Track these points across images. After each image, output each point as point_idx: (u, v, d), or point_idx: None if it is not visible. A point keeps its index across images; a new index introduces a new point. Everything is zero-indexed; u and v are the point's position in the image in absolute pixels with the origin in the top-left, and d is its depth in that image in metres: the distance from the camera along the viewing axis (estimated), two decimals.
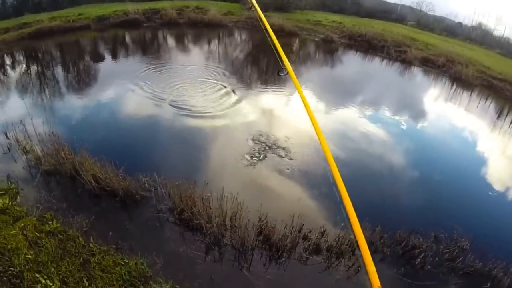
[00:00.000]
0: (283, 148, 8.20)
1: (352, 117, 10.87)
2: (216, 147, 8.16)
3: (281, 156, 7.92)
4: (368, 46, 19.43)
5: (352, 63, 17.91)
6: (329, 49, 19.09)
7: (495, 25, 27.02)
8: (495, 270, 5.56)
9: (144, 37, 18.52)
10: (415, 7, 28.94)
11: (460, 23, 28.72)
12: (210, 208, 5.85)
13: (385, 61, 18.12)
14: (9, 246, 4.70)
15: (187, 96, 10.54)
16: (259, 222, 5.66)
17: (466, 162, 9.63)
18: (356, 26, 21.52)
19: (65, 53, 15.47)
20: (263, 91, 12.12)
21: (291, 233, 5.57)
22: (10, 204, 5.60)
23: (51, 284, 4.25)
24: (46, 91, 10.91)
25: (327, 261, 5.48)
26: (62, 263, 4.63)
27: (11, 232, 4.98)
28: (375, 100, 12.60)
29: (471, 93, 15.62)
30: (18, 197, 5.97)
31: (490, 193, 8.20)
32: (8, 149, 7.29)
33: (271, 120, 9.79)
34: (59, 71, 13.12)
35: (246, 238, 5.45)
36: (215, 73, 12.84)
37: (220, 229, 5.59)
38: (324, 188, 6.68)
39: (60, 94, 10.78)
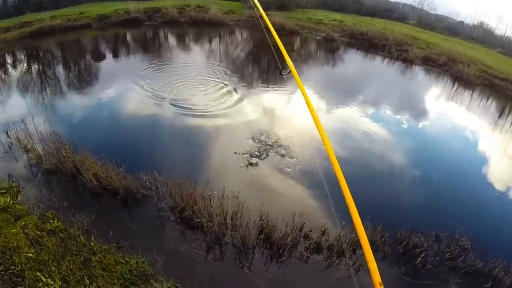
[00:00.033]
0: (284, 147, 8.20)
1: (353, 116, 10.86)
2: (217, 146, 8.16)
3: (282, 155, 7.92)
4: (369, 45, 19.39)
5: (353, 62, 17.86)
6: (330, 47, 19.05)
7: (497, 24, 26.98)
8: (496, 269, 5.56)
9: (145, 35, 18.50)
10: (416, 6, 28.90)
11: (461, 22, 28.65)
12: (211, 207, 5.85)
13: (386, 60, 18.07)
14: (10, 245, 4.71)
15: (188, 95, 10.55)
16: (260, 220, 5.66)
17: (467, 161, 9.62)
18: (357, 24, 21.47)
19: (66, 52, 15.47)
20: (265, 90, 12.11)
21: (292, 232, 5.57)
22: (11, 202, 5.61)
23: (52, 282, 4.25)
24: (47, 90, 10.92)
25: (328, 260, 5.48)
26: (63, 261, 4.63)
27: (12, 230, 4.98)
28: (376, 99, 12.58)
29: (473, 92, 15.58)
30: (19, 195, 5.97)
31: (491, 192, 8.19)
32: (9, 148, 7.30)
33: (272, 119, 9.78)
34: (60, 70, 13.12)
35: (247, 236, 5.45)
36: (216, 72, 12.84)
37: (221, 227, 5.59)
38: (325, 187, 6.65)
39: (61, 93, 10.78)
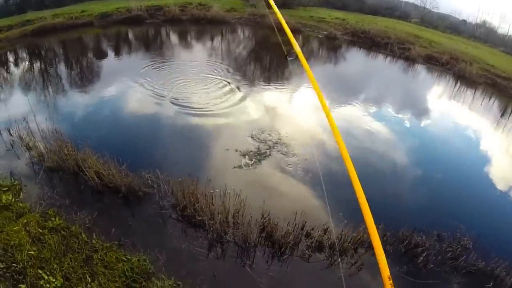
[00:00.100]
0: (286, 146, 8.19)
1: (355, 115, 10.83)
2: (219, 144, 8.15)
3: (284, 154, 7.91)
4: (372, 43, 19.35)
5: (355, 60, 17.83)
6: (332, 46, 19.02)
7: (499, 23, 26.88)
8: (498, 269, 5.55)
9: (147, 33, 18.50)
10: (419, 4, 28.84)
11: (464, 21, 28.56)
12: (213, 205, 5.85)
13: (388, 58, 18.03)
14: (12, 242, 4.72)
15: (189, 93, 10.54)
16: (261, 219, 5.67)
17: (469, 160, 9.59)
18: (359, 23, 21.43)
19: (68, 50, 15.49)
20: (267, 88, 12.08)
21: (293, 230, 5.57)
22: (13, 200, 5.62)
23: (54, 280, 4.26)
24: (49, 88, 10.93)
25: (330, 259, 5.47)
26: (65, 259, 4.64)
27: (14, 228, 5.00)
28: (378, 97, 12.55)
29: (475, 91, 15.52)
30: (21, 193, 5.98)
31: (493, 192, 8.16)
32: (11, 145, 7.31)
33: (274, 117, 9.76)
34: (62, 68, 13.15)
35: (248, 235, 5.45)
36: (218, 70, 12.83)
37: (223, 225, 5.59)
38: (327, 185, 6.65)
39: (63, 91, 10.79)
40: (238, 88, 11.31)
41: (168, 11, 19.62)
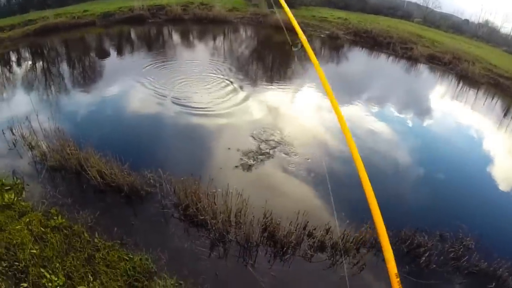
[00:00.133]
0: (289, 145, 8.18)
1: (358, 115, 10.80)
2: (221, 144, 8.14)
3: (287, 153, 7.91)
4: (374, 43, 19.32)
5: (357, 60, 17.81)
6: (334, 45, 19.00)
7: (502, 22, 26.78)
8: (500, 270, 5.53)
9: (149, 33, 18.52)
10: (421, 4, 28.76)
11: (466, 20, 28.47)
12: (215, 204, 5.85)
13: (391, 58, 17.99)
14: (14, 241, 4.73)
15: (191, 93, 10.53)
16: (264, 218, 5.66)
17: (472, 161, 9.56)
18: (361, 22, 21.41)
19: (70, 50, 15.51)
20: (270, 88, 12.07)
21: (296, 230, 5.56)
22: (15, 199, 5.64)
23: (56, 279, 4.27)
24: (52, 88, 10.95)
25: (332, 259, 5.46)
26: (67, 258, 4.65)
27: (17, 227, 5.01)
28: (380, 97, 12.54)
29: (478, 91, 15.48)
30: (24, 192, 6.00)
31: (495, 192, 8.14)
32: (14, 145, 7.33)
33: (277, 117, 9.74)
34: (64, 67, 13.17)
35: (251, 234, 5.45)
36: (221, 69, 12.84)
37: (225, 225, 5.59)
38: (330, 185, 6.64)
39: (66, 90, 10.81)
40: (241, 88, 11.30)
41: (170, 11, 19.66)
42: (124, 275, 4.54)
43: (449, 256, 5.70)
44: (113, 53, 15.04)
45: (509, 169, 9.25)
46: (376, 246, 5.65)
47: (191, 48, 16.61)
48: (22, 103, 9.33)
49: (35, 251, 4.61)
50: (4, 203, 5.49)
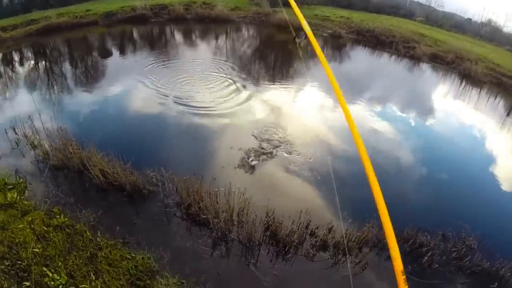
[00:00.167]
0: (291, 144, 8.17)
1: (360, 114, 10.76)
2: (224, 143, 8.13)
3: (289, 152, 7.90)
4: (376, 42, 19.26)
5: (360, 59, 17.75)
6: (337, 44, 18.95)
7: (505, 22, 26.61)
8: (503, 269, 5.51)
9: (152, 32, 18.53)
10: (424, 3, 28.62)
11: (469, 20, 28.34)
12: (217, 203, 5.85)
13: (393, 57, 17.93)
14: (17, 240, 4.75)
15: (193, 92, 10.54)
16: (266, 217, 5.66)
17: (474, 160, 9.52)
18: (364, 21, 21.33)
19: (72, 49, 15.54)
20: (272, 87, 12.05)
21: (298, 229, 5.56)
22: (18, 198, 5.66)
23: (58, 277, 4.28)
24: (54, 87, 10.98)
25: (334, 258, 5.46)
26: (69, 257, 4.66)
27: (19, 226, 5.03)
28: (383, 96, 12.50)
29: (480, 90, 15.41)
30: (26, 191, 6.02)
31: (498, 192, 8.11)
32: (17, 144, 7.36)
33: (279, 116, 9.73)
34: (66, 67, 13.19)
35: (253, 233, 5.45)
36: (223, 68, 12.83)
37: (227, 224, 5.59)
38: (332, 184, 6.63)
39: (68, 90, 10.83)
40: (244, 87, 11.29)
41: (173, 10, 19.67)
42: (126, 274, 4.55)
43: (451, 256, 5.69)
44: (115, 52, 15.07)
45: None
46: (378, 245, 5.65)
47: (193, 47, 16.61)
48: (24, 102, 9.37)
49: (37, 250, 4.63)
50: (6, 202, 5.52)
